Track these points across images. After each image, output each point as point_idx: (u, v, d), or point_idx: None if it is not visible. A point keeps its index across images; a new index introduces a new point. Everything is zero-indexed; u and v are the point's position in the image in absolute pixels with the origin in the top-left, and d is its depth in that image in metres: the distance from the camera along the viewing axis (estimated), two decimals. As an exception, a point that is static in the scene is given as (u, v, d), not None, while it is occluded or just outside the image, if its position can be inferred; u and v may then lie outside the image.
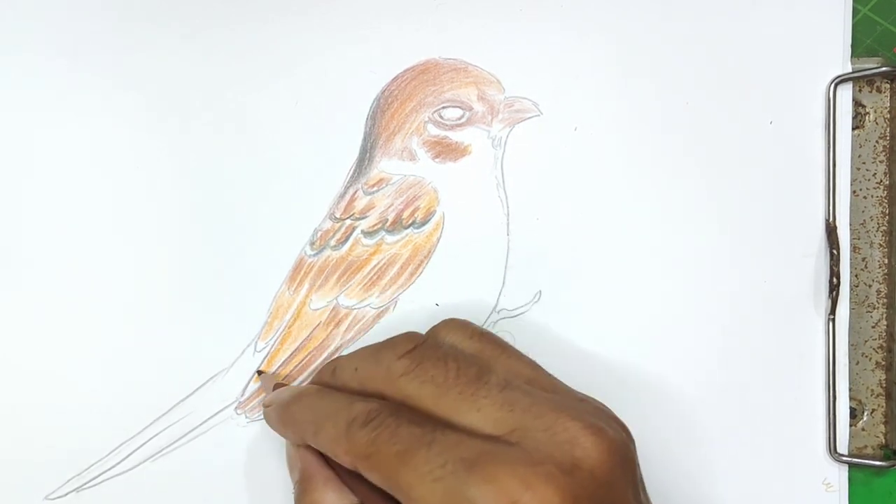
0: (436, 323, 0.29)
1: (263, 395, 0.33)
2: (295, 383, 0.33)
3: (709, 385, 0.33)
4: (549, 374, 0.27)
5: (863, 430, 0.33)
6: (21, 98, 0.33)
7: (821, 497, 0.33)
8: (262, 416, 0.33)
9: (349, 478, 0.27)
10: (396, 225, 0.33)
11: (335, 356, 0.33)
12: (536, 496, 0.22)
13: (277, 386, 0.32)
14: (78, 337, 0.33)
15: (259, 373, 0.33)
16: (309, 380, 0.33)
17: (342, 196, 0.33)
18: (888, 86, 0.33)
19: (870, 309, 0.33)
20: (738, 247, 0.33)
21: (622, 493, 0.24)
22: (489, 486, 0.22)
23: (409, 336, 0.27)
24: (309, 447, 0.28)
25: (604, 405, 0.26)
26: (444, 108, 0.33)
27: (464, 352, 0.27)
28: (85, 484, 0.33)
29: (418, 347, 0.27)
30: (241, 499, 0.33)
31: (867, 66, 0.33)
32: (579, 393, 0.27)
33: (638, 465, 0.25)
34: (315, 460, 0.28)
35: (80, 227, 0.33)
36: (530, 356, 0.28)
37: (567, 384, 0.27)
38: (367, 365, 0.27)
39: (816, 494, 0.33)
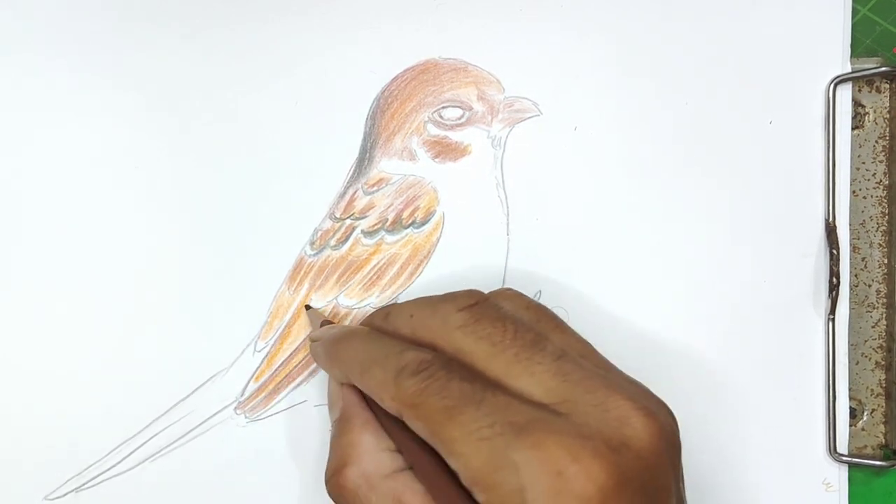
0: None
1: (262, 395, 0.33)
2: (295, 383, 0.33)
3: (709, 385, 0.33)
4: (601, 354, 0.27)
5: (863, 429, 0.33)
6: (21, 98, 0.33)
7: (821, 497, 0.33)
8: (261, 417, 0.33)
9: (389, 422, 0.26)
10: (396, 225, 0.33)
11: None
12: (582, 469, 0.22)
13: (325, 323, 0.31)
14: (78, 337, 0.33)
15: (307, 307, 0.33)
16: (311, 377, 0.33)
17: (342, 196, 0.33)
18: (888, 86, 0.33)
19: (870, 309, 0.33)
20: (738, 247, 0.33)
21: (665, 479, 0.24)
22: (536, 452, 0.22)
23: (471, 292, 0.27)
24: (352, 386, 0.28)
25: (652, 391, 0.26)
26: (443, 107, 0.33)
27: (521, 318, 0.26)
28: (84, 484, 0.33)
29: (479, 304, 0.26)
30: (241, 499, 0.33)
31: (867, 66, 0.33)
32: (629, 375, 0.26)
33: (681, 454, 0.25)
34: (357, 401, 0.28)
35: (80, 227, 0.33)
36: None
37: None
38: (423, 313, 0.27)
39: (816, 494, 0.33)
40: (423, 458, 0.25)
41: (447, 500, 0.24)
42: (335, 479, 0.27)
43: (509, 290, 0.28)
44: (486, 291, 0.28)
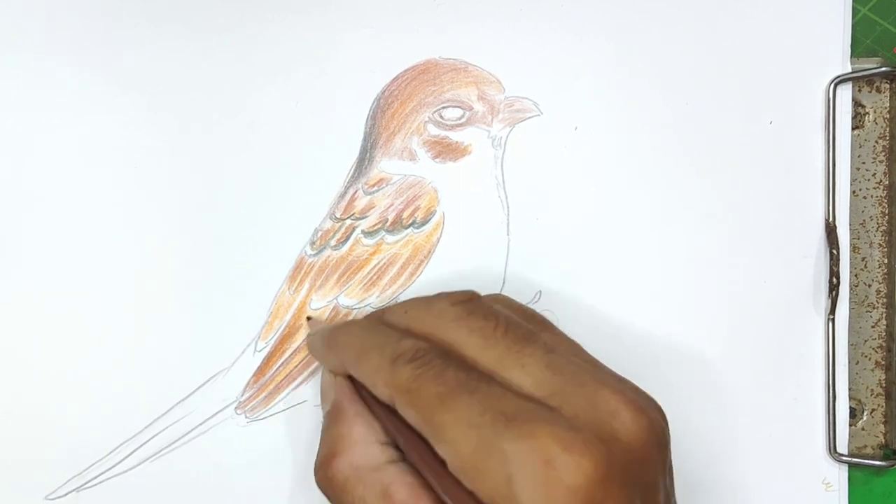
0: None
1: (262, 395, 0.33)
2: (295, 383, 0.33)
3: (709, 385, 0.33)
4: (590, 354, 0.27)
5: (862, 429, 0.33)
6: (21, 98, 0.33)
7: (820, 497, 0.33)
8: (261, 417, 0.33)
9: (381, 412, 0.27)
10: (396, 225, 0.33)
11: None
12: (572, 460, 0.22)
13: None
14: (78, 337, 0.33)
15: (308, 318, 0.33)
16: (311, 377, 0.33)
17: (342, 196, 0.33)
18: (888, 86, 0.33)
19: (869, 309, 0.33)
20: (738, 247, 0.33)
21: (654, 473, 0.24)
22: (526, 442, 0.22)
23: (465, 291, 0.28)
24: (345, 378, 0.28)
25: (640, 388, 0.26)
26: (444, 107, 0.33)
27: (513, 317, 0.27)
28: (85, 484, 0.33)
29: (472, 300, 0.27)
30: (241, 499, 0.33)
31: (867, 66, 0.33)
32: (617, 373, 0.27)
33: (670, 450, 0.25)
34: (349, 392, 0.28)
35: (80, 227, 0.33)
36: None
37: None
38: (418, 309, 0.27)
39: (816, 494, 0.33)
40: (414, 447, 0.25)
41: (437, 488, 0.24)
42: (324, 470, 0.27)
43: (500, 295, 0.29)
44: (485, 291, 0.28)
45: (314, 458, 0.33)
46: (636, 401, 0.24)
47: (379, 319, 0.29)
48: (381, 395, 0.26)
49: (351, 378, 0.28)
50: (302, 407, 0.33)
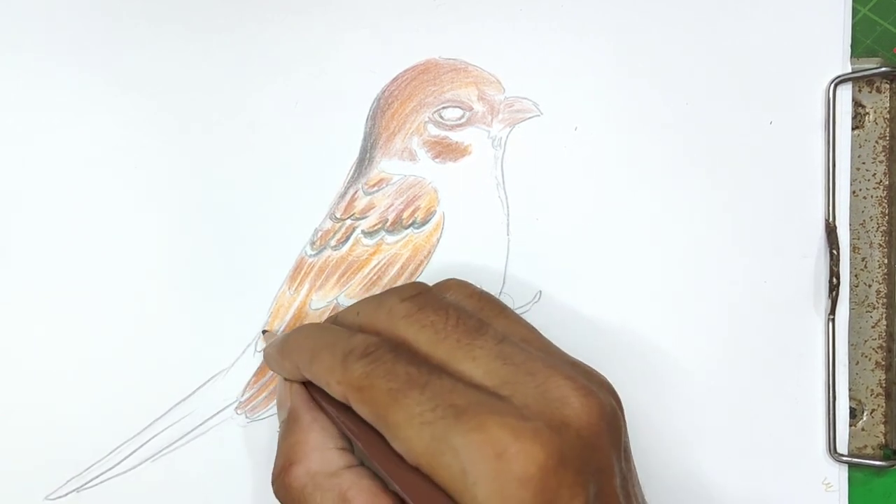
0: None
1: (263, 395, 0.33)
2: (295, 383, 0.33)
3: (709, 385, 0.33)
4: (544, 337, 0.27)
5: (862, 429, 0.33)
6: (21, 98, 0.33)
7: (820, 497, 0.33)
8: (262, 417, 0.33)
9: (337, 414, 0.27)
10: (396, 225, 0.33)
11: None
12: (522, 450, 0.22)
13: None
14: (78, 337, 0.33)
15: (264, 332, 0.33)
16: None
17: (342, 196, 0.33)
18: (888, 86, 0.33)
19: (869, 309, 0.33)
20: (738, 247, 0.33)
21: (606, 457, 0.24)
22: (476, 435, 0.22)
23: (414, 284, 0.28)
24: (300, 386, 0.28)
25: (595, 370, 0.26)
26: (444, 108, 0.33)
27: (465, 307, 0.27)
28: (85, 484, 0.33)
29: (422, 294, 0.27)
30: (241, 499, 0.33)
31: (867, 66, 0.33)
32: (571, 357, 0.27)
33: (625, 431, 0.25)
34: (305, 399, 0.28)
35: (80, 227, 0.33)
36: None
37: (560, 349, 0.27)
38: (369, 308, 0.27)
39: (816, 494, 0.33)
40: (372, 444, 0.25)
41: (396, 484, 0.24)
42: (281, 479, 0.27)
43: (453, 280, 0.29)
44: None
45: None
46: (586, 385, 0.24)
47: (332, 321, 0.29)
48: (335, 394, 0.26)
49: (307, 385, 0.29)
50: (302, 407, 0.33)
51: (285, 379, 0.29)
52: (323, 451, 0.27)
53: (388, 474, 0.24)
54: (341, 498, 0.25)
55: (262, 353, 0.33)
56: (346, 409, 0.26)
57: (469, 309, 0.27)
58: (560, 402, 0.24)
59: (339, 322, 0.28)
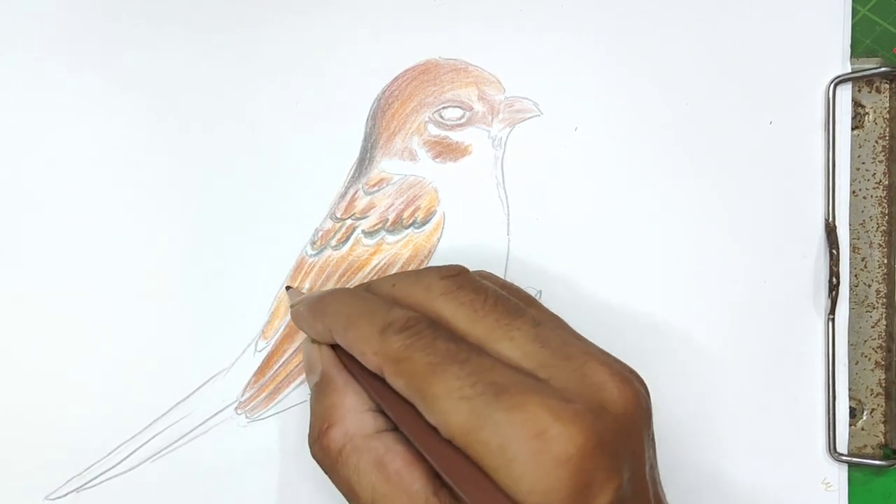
0: None
1: (263, 395, 0.33)
2: (295, 383, 0.33)
3: (709, 385, 0.33)
4: (574, 329, 0.27)
5: (862, 429, 0.33)
6: (21, 98, 0.33)
7: (820, 496, 0.33)
8: (262, 417, 0.33)
9: (368, 383, 0.26)
10: (397, 225, 0.33)
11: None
12: (563, 430, 0.22)
13: None
14: (78, 337, 0.33)
15: (288, 288, 0.33)
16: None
17: (343, 196, 0.33)
18: (887, 86, 0.33)
19: (869, 309, 0.33)
20: (738, 247, 0.33)
21: (640, 443, 0.24)
22: (518, 413, 0.22)
23: (454, 265, 0.28)
24: (330, 349, 0.28)
25: (624, 362, 0.27)
26: (444, 108, 0.33)
27: (501, 291, 0.27)
28: (85, 484, 0.33)
29: (461, 274, 0.27)
30: (241, 499, 0.33)
31: (866, 66, 0.33)
32: (602, 349, 0.27)
33: (653, 421, 0.26)
34: (336, 362, 0.28)
35: (80, 227, 0.33)
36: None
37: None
38: (406, 282, 0.27)
39: (816, 494, 0.33)
40: (404, 415, 0.25)
41: (428, 455, 0.24)
42: (320, 441, 0.27)
43: (484, 271, 0.29)
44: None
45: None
46: (622, 373, 0.24)
47: (366, 289, 0.28)
48: (369, 364, 0.25)
49: (334, 348, 0.28)
50: (302, 407, 0.33)
51: (313, 341, 0.29)
52: (359, 413, 0.27)
53: (420, 445, 0.24)
54: (378, 461, 0.25)
55: (261, 354, 0.33)
56: (376, 378, 0.25)
57: (505, 294, 0.27)
58: (598, 386, 0.24)
59: (372, 291, 0.28)
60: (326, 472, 0.27)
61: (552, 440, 0.22)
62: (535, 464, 0.22)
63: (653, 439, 0.26)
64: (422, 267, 0.33)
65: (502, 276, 0.33)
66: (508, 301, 0.26)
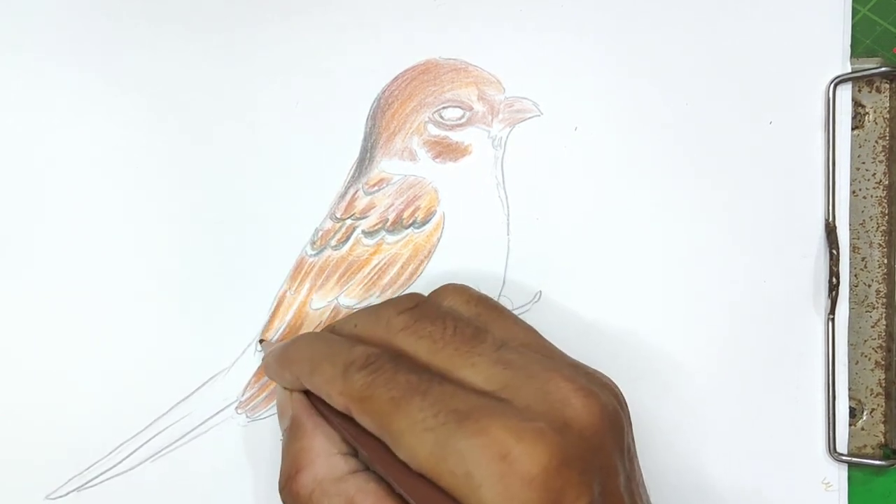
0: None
1: (263, 395, 0.33)
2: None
3: (709, 385, 0.33)
4: (545, 339, 0.27)
5: (862, 429, 0.33)
6: (21, 98, 0.33)
7: (820, 496, 0.33)
8: (262, 416, 0.33)
9: (339, 423, 0.27)
10: (397, 225, 0.33)
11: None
12: (525, 451, 0.22)
13: None
14: (78, 337, 0.33)
15: (261, 341, 0.33)
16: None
17: (343, 196, 0.33)
18: (887, 86, 0.33)
19: (869, 309, 0.33)
20: (738, 247, 0.33)
21: (609, 457, 0.24)
22: (479, 438, 0.22)
23: (411, 295, 0.28)
24: (301, 394, 0.29)
25: (596, 371, 0.27)
26: (444, 108, 0.33)
27: (462, 314, 0.27)
28: (86, 484, 0.33)
29: (419, 306, 0.27)
30: (241, 499, 0.33)
31: (866, 66, 0.33)
32: (572, 359, 0.27)
33: (628, 431, 0.26)
34: (306, 406, 0.28)
35: (80, 227, 0.33)
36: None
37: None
38: (366, 321, 0.28)
39: (816, 494, 0.33)
40: (375, 451, 0.25)
41: (402, 489, 0.24)
42: (289, 486, 0.27)
43: (451, 285, 0.29)
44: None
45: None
46: (587, 387, 0.24)
47: (329, 331, 0.29)
48: (336, 405, 0.26)
49: (307, 393, 0.29)
50: (302, 407, 0.33)
51: (284, 388, 0.30)
52: (328, 457, 0.27)
53: (394, 480, 0.24)
54: (349, 503, 0.25)
55: (261, 354, 0.33)
56: (347, 417, 0.26)
57: (467, 315, 0.27)
58: (561, 402, 0.24)
59: (336, 332, 0.28)
60: None
61: (516, 461, 0.22)
62: (501, 487, 0.22)
63: (629, 450, 0.26)
64: (420, 268, 0.33)
65: (502, 276, 0.33)
66: (468, 326, 0.26)
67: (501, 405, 0.23)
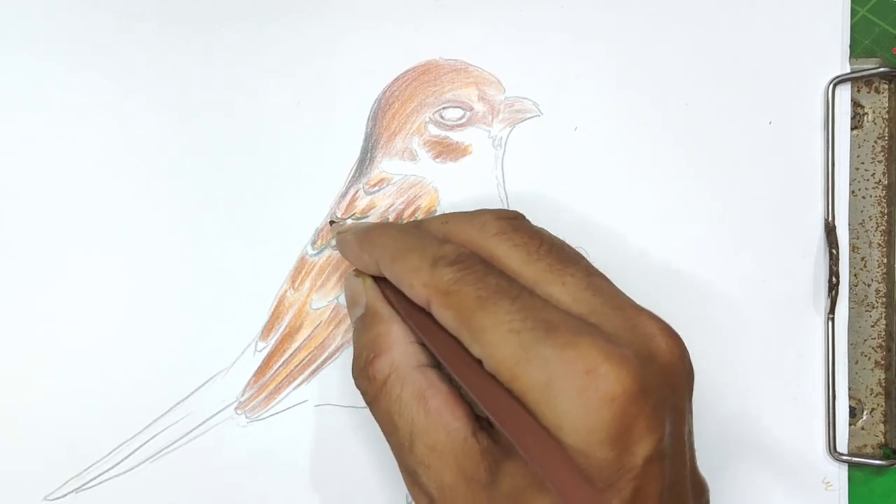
0: None
1: (263, 395, 0.33)
2: (295, 383, 0.33)
3: (709, 385, 0.33)
4: None
5: (862, 429, 0.34)
6: (21, 98, 0.33)
7: (820, 496, 0.33)
8: (262, 417, 0.33)
9: (411, 317, 0.26)
10: (397, 225, 0.33)
11: (336, 356, 0.33)
12: (612, 370, 0.22)
13: None
14: (78, 337, 0.33)
15: (331, 222, 0.32)
16: (311, 377, 0.33)
17: (343, 196, 0.33)
18: (886, 86, 0.33)
19: (869, 308, 0.33)
20: (738, 247, 0.33)
21: (682, 399, 0.24)
22: (568, 350, 0.22)
23: (509, 210, 0.28)
24: (374, 282, 0.28)
25: None
26: (444, 108, 0.33)
27: (556, 238, 0.27)
28: (84, 484, 0.33)
29: (517, 218, 0.27)
30: (241, 499, 0.33)
31: (866, 66, 0.33)
32: None
33: (693, 386, 0.26)
34: (379, 295, 0.28)
35: (81, 227, 0.33)
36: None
37: None
38: (459, 220, 0.27)
39: (816, 493, 0.33)
40: (447, 348, 0.24)
41: (470, 387, 0.23)
42: (366, 370, 0.26)
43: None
44: None
45: (314, 457, 0.33)
46: (671, 329, 0.25)
47: (415, 227, 0.28)
48: (416, 296, 0.25)
49: (377, 281, 0.28)
50: (302, 407, 0.33)
51: (356, 274, 0.29)
52: (406, 344, 0.26)
53: (461, 379, 0.24)
54: (420, 394, 0.25)
55: (261, 354, 0.33)
56: (419, 313, 0.25)
57: (560, 241, 0.27)
58: (648, 337, 0.24)
59: (423, 228, 0.28)
60: (368, 404, 0.27)
61: (600, 378, 0.22)
62: (580, 400, 0.22)
63: (691, 407, 0.26)
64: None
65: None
66: (563, 249, 0.26)
67: (590, 326, 0.23)
